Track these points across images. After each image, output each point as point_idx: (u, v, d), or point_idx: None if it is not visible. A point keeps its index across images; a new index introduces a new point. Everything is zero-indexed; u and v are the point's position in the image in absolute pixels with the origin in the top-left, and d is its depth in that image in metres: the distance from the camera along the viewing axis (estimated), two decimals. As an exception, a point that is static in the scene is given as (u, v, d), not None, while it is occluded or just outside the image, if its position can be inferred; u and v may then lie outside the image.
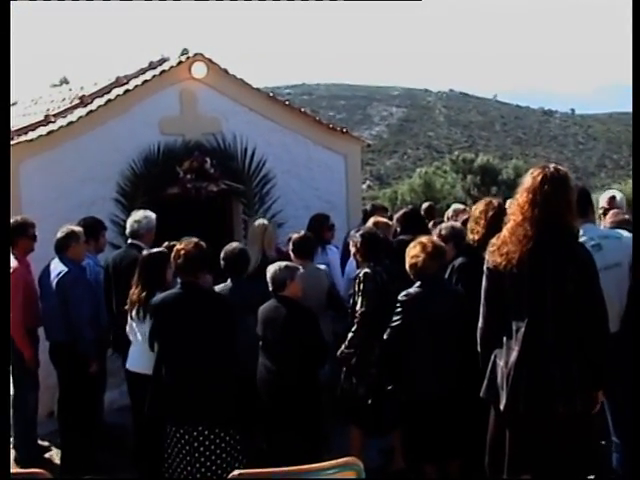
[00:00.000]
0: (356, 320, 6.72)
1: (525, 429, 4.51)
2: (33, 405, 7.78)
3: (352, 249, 7.22)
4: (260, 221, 8.26)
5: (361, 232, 7.13)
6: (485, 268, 4.70)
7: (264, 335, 6.55)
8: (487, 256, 4.69)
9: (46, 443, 8.01)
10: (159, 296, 6.08)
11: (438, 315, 6.10)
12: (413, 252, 6.25)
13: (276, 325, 6.43)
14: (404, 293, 6.26)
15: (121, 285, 7.18)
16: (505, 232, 4.61)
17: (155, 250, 6.69)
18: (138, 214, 7.73)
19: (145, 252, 6.74)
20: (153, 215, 7.74)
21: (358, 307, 6.71)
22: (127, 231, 7.73)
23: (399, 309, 6.21)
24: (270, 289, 6.59)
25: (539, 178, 4.56)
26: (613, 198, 7.46)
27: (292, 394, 6.38)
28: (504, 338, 4.61)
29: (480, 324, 4.78)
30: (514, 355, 4.51)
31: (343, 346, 6.81)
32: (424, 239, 6.38)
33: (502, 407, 4.54)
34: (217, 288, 6.91)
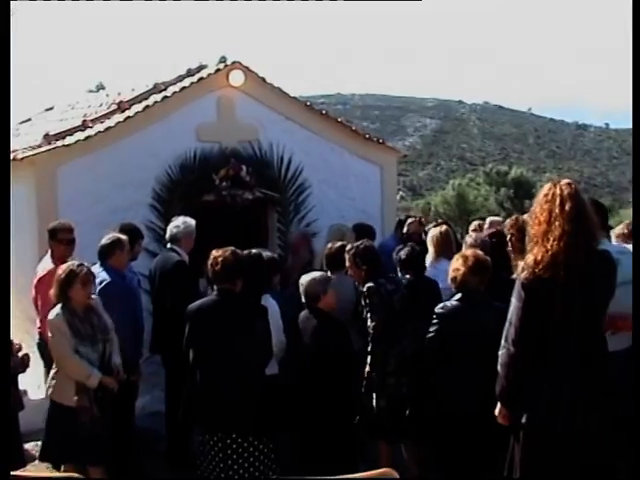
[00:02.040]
0: (369, 337, 6.65)
1: (575, 449, 4.34)
2: None
3: (350, 271, 7.09)
4: (339, 225, 8.36)
5: (352, 252, 6.90)
6: (528, 289, 4.30)
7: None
8: (527, 275, 4.30)
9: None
10: (195, 303, 6.08)
11: (476, 329, 5.90)
12: (455, 265, 6.13)
13: (306, 336, 6.43)
14: (440, 306, 6.13)
15: (163, 287, 7.48)
16: (552, 243, 4.24)
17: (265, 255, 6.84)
18: (178, 220, 7.83)
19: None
20: (192, 221, 7.81)
21: (369, 323, 6.64)
22: (167, 236, 7.82)
23: (435, 321, 6.11)
24: (303, 300, 6.57)
25: (574, 187, 4.35)
26: None
27: (322, 404, 6.35)
28: (545, 358, 4.34)
29: (512, 349, 4.36)
30: (568, 377, 4.30)
31: (367, 369, 6.70)
32: (468, 252, 6.29)
33: (560, 429, 4.30)
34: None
